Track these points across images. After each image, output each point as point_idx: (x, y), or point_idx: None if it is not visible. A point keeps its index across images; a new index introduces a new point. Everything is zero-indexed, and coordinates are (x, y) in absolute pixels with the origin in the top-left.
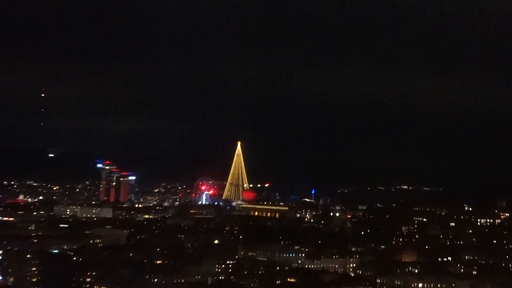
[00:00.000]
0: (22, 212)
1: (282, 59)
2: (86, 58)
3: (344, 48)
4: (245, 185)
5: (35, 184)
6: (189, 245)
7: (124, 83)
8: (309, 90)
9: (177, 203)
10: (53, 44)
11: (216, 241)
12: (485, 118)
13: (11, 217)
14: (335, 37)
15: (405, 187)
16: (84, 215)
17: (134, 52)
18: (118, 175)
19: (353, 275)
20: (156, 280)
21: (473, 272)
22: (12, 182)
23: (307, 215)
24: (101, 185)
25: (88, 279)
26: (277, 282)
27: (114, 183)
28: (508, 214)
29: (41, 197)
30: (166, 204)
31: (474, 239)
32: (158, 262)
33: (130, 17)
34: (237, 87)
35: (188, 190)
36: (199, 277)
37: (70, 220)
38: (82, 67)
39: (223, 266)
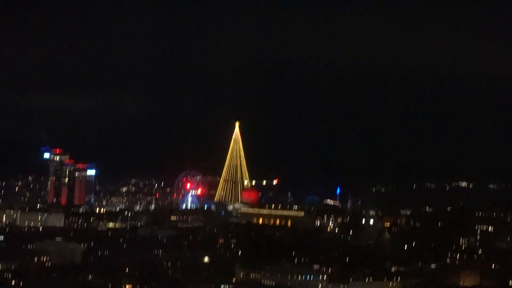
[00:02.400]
0: None
1: (295, 9)
2: (20, 14)
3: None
4: (246, 182)
5: None
6: (169, 264)
7: (78, 46)
8: (332, 53)
9: (152, 206)
10: None
11: (205, 259)
12: None
13: None
14: None
15: (463, 184)
16: (26, 223)
17: (90, 6)
18: (71, 168)
19: None
20: None
21: None
22: None
23: (330, 223)
24: (49, 182)
25: None
26: None
27: (66, 180)
28: None
29: None
30: (137, 208)
31: None
32: (127, 287)
33: None
34: (232, 48)
35: (168, 189)
36: None
37: (7, 230)
38: (16, 25)
39: None
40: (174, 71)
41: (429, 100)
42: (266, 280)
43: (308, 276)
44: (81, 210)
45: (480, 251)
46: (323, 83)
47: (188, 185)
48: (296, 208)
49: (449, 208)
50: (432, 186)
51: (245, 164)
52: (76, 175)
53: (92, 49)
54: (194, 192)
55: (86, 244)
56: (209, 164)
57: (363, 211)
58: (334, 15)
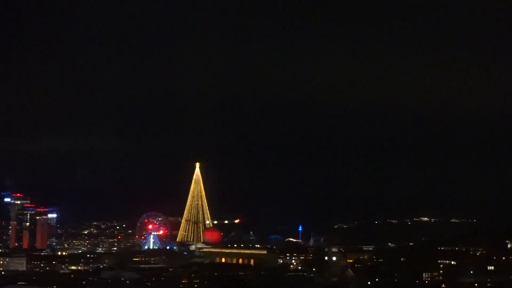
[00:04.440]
0: None
1: (259, 41)
2: None
3: (340, 33)
4: (208, 222)
5: None
6: None
7: (34, 85)
8: (292, 88)
9: (115, 248)
10: None
11: None
12: None
13: None
14: (321, 15)
15: (425, 219)
16: None
17: (48, 43)
18: (33, 212)
19: None
20: None
21: None
22: None
23: (294, 261)
24: (10, 227)
25: None
26: None
27: (28, 224)
28: None
29: None
30: (100, 250)
31: None
32: None
33: None
34: (193, 85)
35: (130, 231)
36: None
37: None
38: None
39: None
40: (134, 111)
41: (388, 137)
42: None
43: None
44: (43, 253)
45: (443, 285)
46: (280, 121)
47: (150, 226)
48: (258, 247)
49: (411, 243)
50: (394, 222)
51: (206, 204)
52: (38, 219)
53: (53, 90)
54: (156, 233)
55: (49, 287)
56: (171, 205)
57: (326, 249)
58: (303, 52)
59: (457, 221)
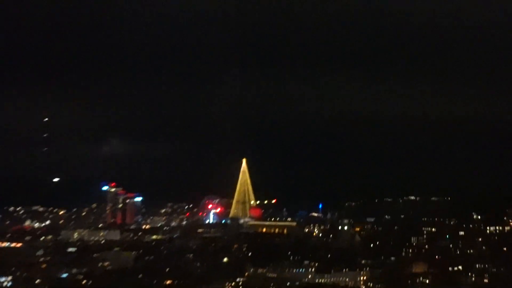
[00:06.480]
0: (29, 238)
1: (289, 71)
2: (82, 83)
3: (348, 62)
4: (252, 202)
5: (41, 209)
6: (198, 264)
7: (122, 108)
8: (314, 105)
9: (184, 222)
10: (53, 73)
11: (225, 260)
12: (492, 124)
13: (18, 244)
14: (342, 49)
15: (412, 197)
16: (92, 238)
17: (130, 74)
18: (124, 197)
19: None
20: None
21: (485, 281)
22: (18, 208)
23: (316, 230)
24: (107, 208)
25: None
26: None
27: (120, 205)
28: None
29: (47, 222)
30: (173, 224)
31: (484, 248)
32: (167, 282)
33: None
34: (240, 104)
35: (195, 209)
36: None
37: (78, 244)
38: (81, 94)
39: (233, 284)
40: (199, 125)
41: (385, 141)
42: (269, 274)
43: (300, 269)
44: (131, 227)
45: (426, 247)
46: (308, 129)
47: (210, 206)
48: (290, 220)
49: (402, 216)
50: (389, 200)
51: (251, 189)
52: (127, 202)
53: (135, 109)
54: (214, 211)
55: (136, 252)
56: (225, 190)
57: (339, 221)
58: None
59: (435, 199)
